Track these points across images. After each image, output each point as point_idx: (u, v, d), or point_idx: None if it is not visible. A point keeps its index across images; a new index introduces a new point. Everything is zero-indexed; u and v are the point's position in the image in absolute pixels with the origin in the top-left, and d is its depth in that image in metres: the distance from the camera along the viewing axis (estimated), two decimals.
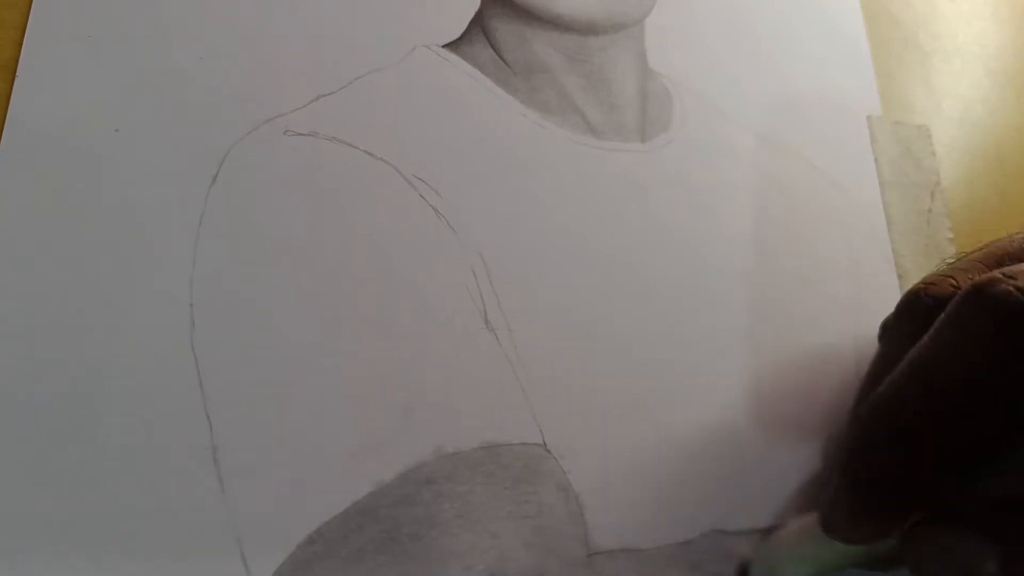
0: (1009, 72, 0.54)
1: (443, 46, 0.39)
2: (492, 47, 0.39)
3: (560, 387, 0.34)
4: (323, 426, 0.31)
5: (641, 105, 0.41)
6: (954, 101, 0.51)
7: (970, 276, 0.28)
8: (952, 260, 0.31)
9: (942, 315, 0.24)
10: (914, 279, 0.44)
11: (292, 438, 0.30)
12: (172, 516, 0.28)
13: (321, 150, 0.34)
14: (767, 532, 0.34)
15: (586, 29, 0.41)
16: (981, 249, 0.30)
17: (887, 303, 0.43)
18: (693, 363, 0.38)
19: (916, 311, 0.29)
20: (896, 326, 0.32)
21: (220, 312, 0.31)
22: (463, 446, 0.32)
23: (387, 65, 0.37)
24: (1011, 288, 0.22)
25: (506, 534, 0.32)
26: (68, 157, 0.31)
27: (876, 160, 0.46)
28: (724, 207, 0.41)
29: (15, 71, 0.32)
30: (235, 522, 0.29)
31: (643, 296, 0.38)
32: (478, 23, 0.40)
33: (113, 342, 0.30)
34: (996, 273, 0.23)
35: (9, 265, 0.29)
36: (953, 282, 0.28)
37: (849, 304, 0.42)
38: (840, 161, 0.45)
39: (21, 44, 0.32)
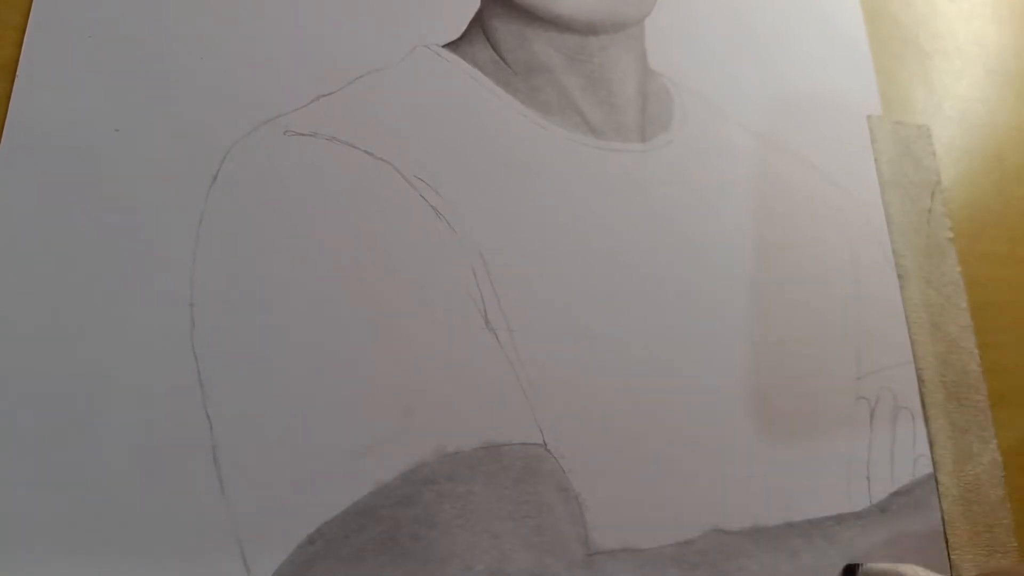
0: (1009, 72, 0.54)
1: (443, 46, 0.39)
2: (492, 47, 0.39)
3: (560, 387, 0.34)
4: (323, 426, 0.31)
5: (641, 105, 0.41)
6: (954, 101, 0.51)
7: None
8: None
9: None
10: (914, 279, 0.45)
11: (292, 438, 0.30)
12: (172, 516, 0.28)
13: (321, 150, 0.34)
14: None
15: (586, 29, 0.41)
16: None
17: (887, 302, 0.44)
18: (693, 362, 0.38)
19: None
20: None
21: (220, 312, 0.31)
22: (463, 446, 0.32)
23: (387, 65, 0.37)
24: None
25: (506, 534, 0.32)
26: (68, 157, 0.31)
27: (876, 160, 0.46)
28: (724, 207, 0.41)
29: (15, 71, 0.32)
30: (235, 522, 0.29)
31: (643, 296, 0.38)
32: (478, 23, 0.40)
33: (113, 341, 0.30)
34: None
35: (9, 265, 0.29)
36: None
37: (849, 303, 0.42)
38: (840, 161, 0.45)
39: (21, 44, 0.32)
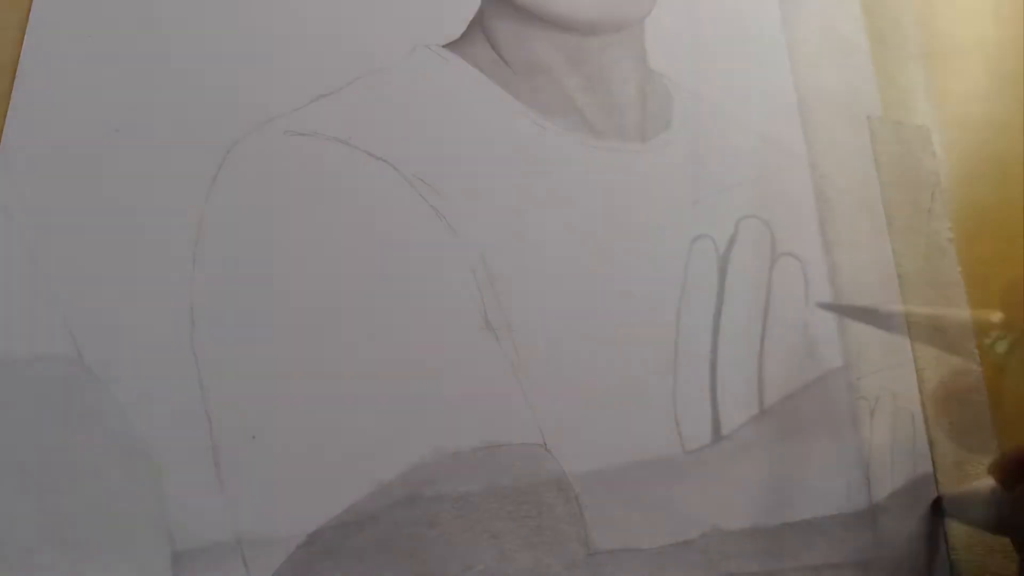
0: (1009, 72, 0.54)
1: (443, 46, 0.39)
2: (492, 47, 0.39)
3: (560, 387, 0.34)
4: (323, 426, 0.31)
5: (641, 105, 0.41)
6: (954, 101, 0.51)
7: None
8: None
9: None
10: (914, 279, 0.44)
11: (292, 438, 0.30)
12: (172, 516, 0.28)
13: (321, 150, 0.34)
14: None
15: (586, 29, 0.41)
16: None
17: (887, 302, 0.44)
18: (693, 363, 0.38)
19: None
20: None
21: (220, 312, 0.31)
22: (463, 446, 0.32)
23: (387, 65, 0.37)
24: None
25: (506, 534, 0.32)
26: (68, 157, 0.31)
27: (876, 160, 0.46)
28: (724, 207, 0.41)
29: (15, 71, 0.32)
30: (235, 522, 0.29)
31: (643, 296, 0.38)
32: (478, 23, 0.40)
33: (112, 341, 0.30)
34: None
35: (9, 265, 0.29)
36: None
37: (849, 303, 0.42)
38: (840, 161, 0.45)
39: (21, 44, 0.32)
